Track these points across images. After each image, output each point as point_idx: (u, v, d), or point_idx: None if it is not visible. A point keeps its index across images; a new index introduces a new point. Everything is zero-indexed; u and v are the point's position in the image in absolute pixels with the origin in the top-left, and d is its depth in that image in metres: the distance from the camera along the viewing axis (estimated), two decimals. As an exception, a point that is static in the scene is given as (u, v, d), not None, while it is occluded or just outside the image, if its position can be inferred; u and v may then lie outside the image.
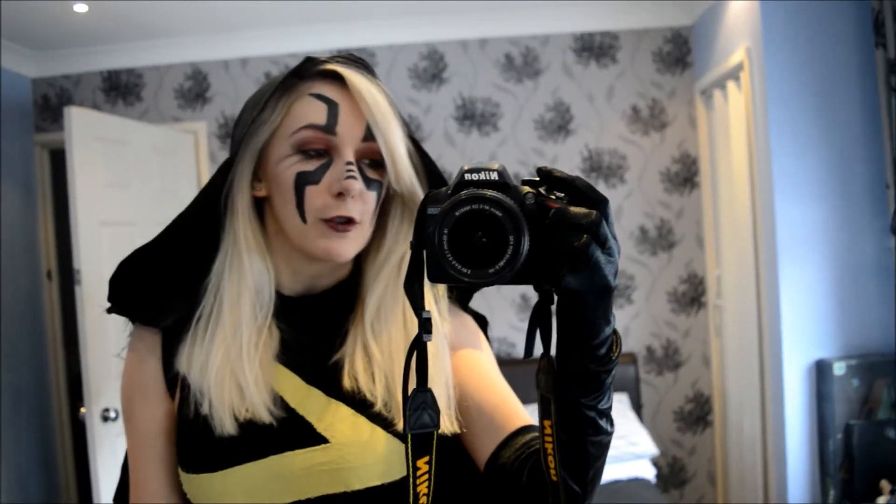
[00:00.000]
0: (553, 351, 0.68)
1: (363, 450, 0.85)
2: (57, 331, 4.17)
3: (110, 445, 2.81)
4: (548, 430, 0.69)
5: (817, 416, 2.82)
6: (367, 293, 0.92)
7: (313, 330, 0.91)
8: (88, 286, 2.77)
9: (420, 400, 0.70)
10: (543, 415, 0.69)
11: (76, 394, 3.78)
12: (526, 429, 0.86)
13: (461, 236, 0.61)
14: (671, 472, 3.93)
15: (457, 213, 0.61)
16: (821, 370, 2.78)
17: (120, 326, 0.98)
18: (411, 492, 0.70)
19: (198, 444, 0.86)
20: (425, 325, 0.69)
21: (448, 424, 0.87)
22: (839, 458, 2.71)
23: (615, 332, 0.68)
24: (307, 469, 0.84)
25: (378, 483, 0.85)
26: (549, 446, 0.69)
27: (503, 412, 0.88)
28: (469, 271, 0.61)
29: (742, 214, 3.08)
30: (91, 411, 2.74)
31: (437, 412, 0.71)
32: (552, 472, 0.69)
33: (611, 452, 0.82)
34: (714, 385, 3.76)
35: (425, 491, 0.71)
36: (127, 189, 3.23)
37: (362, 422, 0.86)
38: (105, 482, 2.74)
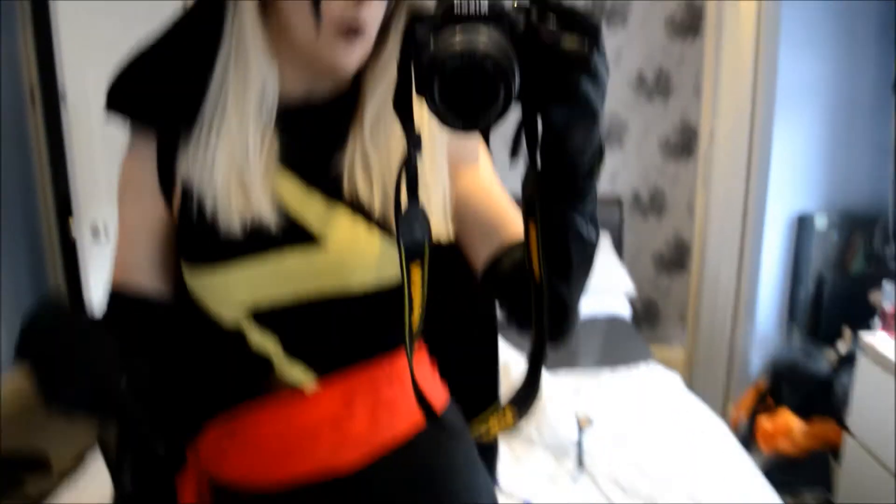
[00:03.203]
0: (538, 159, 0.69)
1: (360, 253, 0.87)
2: (42, 150, 4.12)
3: (101, 263, 2.85)
4: (532, 233, 0.70)
5: (792, 267, 2.92)
6: (366, 103, 0.91)
7: (313, 138, 0.91)
8: (74, 104, 2.71)
9: (412, 214, 0.71)
10: (528, 217, 0.70)
11: (65, 213, 3.78)
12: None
13: (452, 88, 0.61)
14: (645, 312, 4.09)
15: (447, 69, 0.60)
16: (802, 223, 2.85)
17: (107, 145, 0.96)
18: (406, 298, 0.72)
19: (201, 241, 0.87)
20: (415, 143, 0.69)
21: (444, 233, 0.89)
22: (808, 306, 2.83)
23: (601, 142, 0.69)
24: (306, 268, 0.87)
25: (374, 285, 0.88)
26: (533, 247, 0.70)
27: (503, 223, 0.90)
28: (460, 122, 0.61)
29: (744, 65, 3.02)
30: (81, 228, 2.76)
31: (429, 227, 0.72)
32: (536, 273, 0.71)
33: (590, 289, 0.85)
34: (695, 233, 3.84)
35: (419, 300, 0.73)
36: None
37: (360, 226, 0.87)
38: (97, 298, 2.80)
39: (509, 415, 0.74)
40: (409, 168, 0.71)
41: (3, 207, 3.75)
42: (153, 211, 0.92)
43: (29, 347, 0.81)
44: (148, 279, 0.91)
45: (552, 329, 0.87)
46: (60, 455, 3.19)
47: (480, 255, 0.91)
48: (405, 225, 0.71)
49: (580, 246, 0.77)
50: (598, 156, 0.70)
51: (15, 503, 2.78)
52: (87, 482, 1.87)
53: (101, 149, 2.72)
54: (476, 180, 0.93)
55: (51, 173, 4.12)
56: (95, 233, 2.75)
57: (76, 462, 2.84)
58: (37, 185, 4.10)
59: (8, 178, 3.82)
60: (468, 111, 0.61)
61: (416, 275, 0.73)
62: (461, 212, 0.92)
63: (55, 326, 0.82)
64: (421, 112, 0.64)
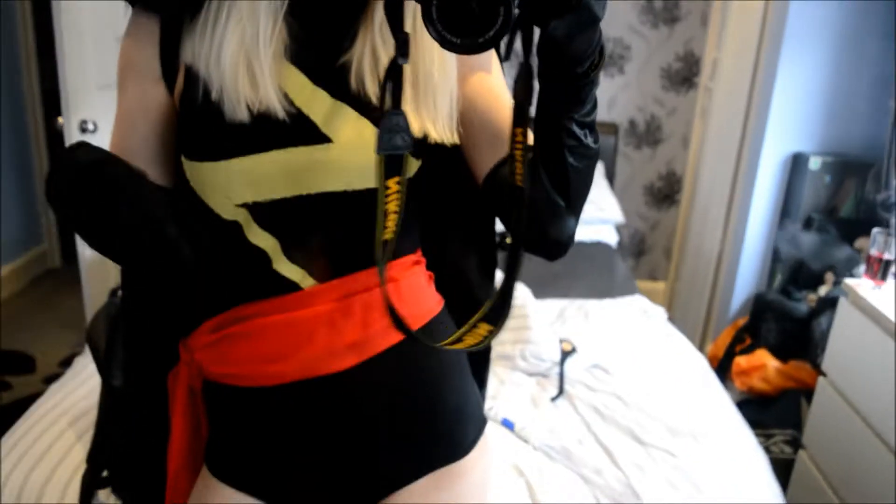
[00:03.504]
0: (533, 61, 0.68)
1: (365, 151, 0.85)
2: (30, 40, 4.00)
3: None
4: (519, 138, 0.69)
5: (782, 207, 2.93)
6: None
7: (323, 28, 0.88)
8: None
9: (393, 122, 0.71)
10: (517, 122, 0.69)
11: (51, 106, 3.70)
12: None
13: (450, 5, 0.59)
14: (631, 243, 4.12)
15: None
16: (797, 162, 2.84)
17: (97, 39, 0.93)
18: (379, 209, 0.72)
19: (204, 130, 0.86)
20: (402, 48, 0.68)
21: (448, 135, 0.89)
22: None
23: (600, 47, 0.68)
24: (309, 165, 0.86)
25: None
26: (517, 153, 0.70)
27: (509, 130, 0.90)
28: (459, 40, 0.60)
29: (755, -3, 2.96)
30: (69, 123, 2.70)
31: (410, 135, 0.72)
32: (517, 177, 0.71)
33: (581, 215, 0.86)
34: (688, 166, 3.83)
35: (395, 209, 0.74)
36: None
37: (365, 124, 0.86)
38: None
39: (482, 328, 0.74)
40: (394, 75, 0.70)
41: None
42: (154, 94, 0.89)
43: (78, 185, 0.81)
44: (144, 164, 0.89)
45: (549, 243, 0.87)
46: (47, 359, 3.23)
47: (484, 162, 0.91)
48: (386, 133, 0.70)
49: (579, 156, 0.77)
50: (598, 60, 0.69)
51: (2, 404, 2.82)
52: (75, 386, 1.88)
53: (91, 45, 2.63)
54: (485, 87, 0.91)
55: (38, 70, 4.02)
56: (84, 129, 2.69)
57: (62, 368, 2.88)
58: (23, 80, 4.00)
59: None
60: (466, 30, 0.59)
61: (394, 187, 0.73)
62: (467, 117, 0.91)
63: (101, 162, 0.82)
64: (418, 11, 0.62)
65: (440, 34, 0.60)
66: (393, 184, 0.73)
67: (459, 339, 0.75)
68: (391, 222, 0.74)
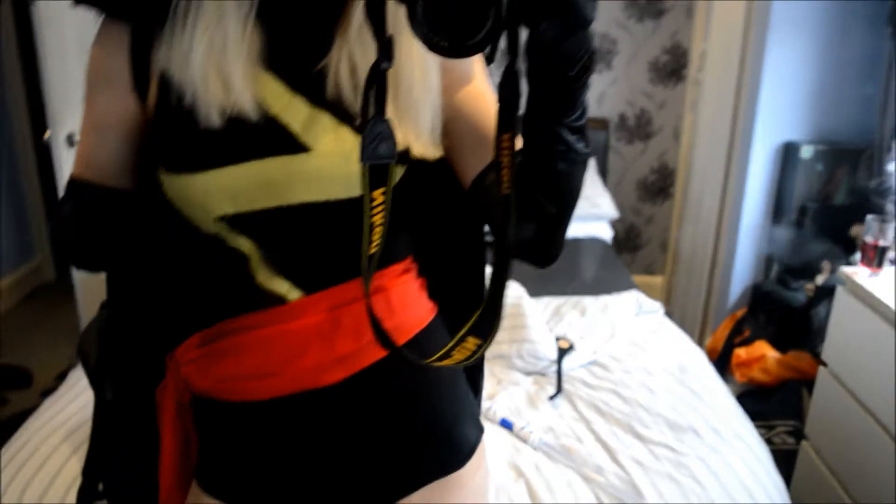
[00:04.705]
0: (520, 65, 0.65)
1: (345, 160, 0.83)
2: (13, 54, 3.98)
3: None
4: (505, 144, 0.66)
5: (776, 197, 2.92)
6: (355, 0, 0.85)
7: (297, 32, 0.86)
8: (46, 11, 2.58)
9: (377, 129, 0.68)
10: (503, 127, 0.66)
11: (38, 120, 3.68)
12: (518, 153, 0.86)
13: (437, 6, 0.57)
14: (626, 238, 4.11)
15: None
16: (788, 152, 2.83)
17: (81, 48, 0.91)
18: (365, 222, 0.69)
19: (180, 139, 0.83)
20: (385, 51, 0.65)
21: (431, 150, 0.86)
22: (790, 237, 2.84)
23: (590, 49, 0.65)
24: (289, 176, 0.83)
25: (358, 195, 0.86)
26: (505, 160, 0.67)
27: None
28: (446, 43, 0.58)
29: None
30: (56, 136, 2.69)
31: (394, 143, 0.69)
32: (504, 185, 0.67)
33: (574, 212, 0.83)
34: (681, 159, 3.82)
35: (380, 221, 0.71)
36: None
37: (345, 132, 0.84)
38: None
39: (471, 342, 0.71)
40: (377, 80, 0.67)
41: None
42: (123, 103, 0.86)
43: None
44: (113, 174, 0.87)
45: (538, 250, 0.85)
46: (43, 372, 3.21)
47: (470, 167, 0.88)
48: (371, 142, 0.67)
49: (570, 161, 0.75)
50: (589, 62, 0.66)
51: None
52: (69, 399, 1.87)
53: (75, 58, 2.61)
54: (469, 90, 0.89)
55: (24, 83, 4.00)
56: (72, 143, 2.68)
57: (58, 381, 2.85)
58: (9, 95, 3.98)
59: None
60: (454, 32, 0.57)
61: (379, 198, 0.70)
62: (451, 126, 0.88)
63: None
64: (400, 18, 0.60)
65: (426, 36, 0.57)
66: (378, 195, 0.70)
67: (448, 355, 0.72)
68: (377, 235, 0.71)
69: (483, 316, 0.70)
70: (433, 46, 0.58)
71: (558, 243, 0.85)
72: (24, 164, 4.16)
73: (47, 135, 2.69)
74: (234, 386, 0.92)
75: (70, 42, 2.60)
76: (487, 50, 0.63)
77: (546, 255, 0.86)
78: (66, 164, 2.73)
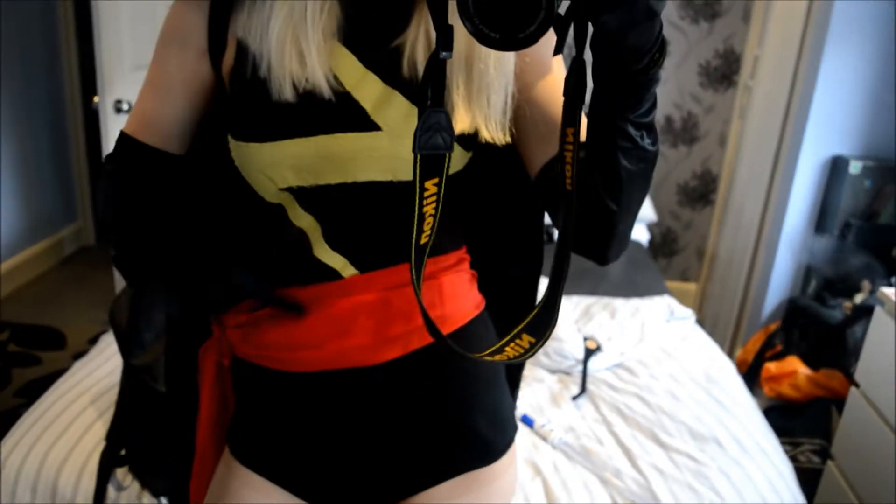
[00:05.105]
0: (587, 55, 0.63)
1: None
2: (70, 20, 4.05)
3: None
4: (569, 139, 0.66)
5: (819, 210, 2.86)
6: None
7: (377, 9, 0.85)
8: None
9: (434, 120, 0.67)
10: (567, 121, 0.65)
11: (89, 85, 3.74)
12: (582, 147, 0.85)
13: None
14: (663, 242, 4.06)
15: None
16: (836, 166, 2.77)
17: (133, 21, 0.91)
18: (416, 212, 0.68)
19: (252, 109, 0.84)
20: (444, 41, 0.64)
21: (500, 135, 0.85)
22: (831, 253, 2.78)
23: (661, 40, 0.64)
24: (356, 153, 0.83)
25: None
26: (568, 154, 0.66)
27: None
28: (498, 36, 0.57)
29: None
30: (104, 102, 2.74)
31: (452, 134, 0.68)
32: (567, 181, 0.67)
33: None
34: (725, 165, 3.76)
35: (432, 212, 0.70)
36: None
37: (416, 114, 0.84)
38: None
39: (525, 339, 0.71)
40: (436, 70, 0.66)
41: (29, 83, 3.73)
42: (194, 65, 0.87)
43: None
44: (171, 134, 0.88)
45: (599, 247, 0.83)
46: (76, 335, 3.27)
47: (538, 156, 0.87)
48: (426, 132, 0.67)
49: (634, 158, 0.73)
50: (658, 56, 0.64)
51: (32, 378, 2.87)
52: (99, 363, 1.90)
53: (127, 27, 2.66)
54: (543, 79, 0.87)
55: (77, 50, 4.08)
56: (119, 109, 2.73)
57: (90, 345, 2.91)
58: (62, 60, 4.06)
59: (35, 55, 3.78)
60: (505, 24, 0.56)
61: (432, 188, 0.69)
62: (523, 112, 0.87)
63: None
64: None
65: (477, 28, 0.57)
66: (430, 185, 0.69)
67: (500, 350, 0.71)
68: (427, 226, 0.70)
69: (540, 314, 0.70)
70: (483, 39, 0.57)
71: (619, 242, 0.83)
72: (73, 129, 4.24)
73: (96, 100, 2.74)
74: (275, 354, 0.93)
75: (123, 11, 2.65)
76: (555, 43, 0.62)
77: (603, 254, 0.84)
78: (112, 130, 2.78)
